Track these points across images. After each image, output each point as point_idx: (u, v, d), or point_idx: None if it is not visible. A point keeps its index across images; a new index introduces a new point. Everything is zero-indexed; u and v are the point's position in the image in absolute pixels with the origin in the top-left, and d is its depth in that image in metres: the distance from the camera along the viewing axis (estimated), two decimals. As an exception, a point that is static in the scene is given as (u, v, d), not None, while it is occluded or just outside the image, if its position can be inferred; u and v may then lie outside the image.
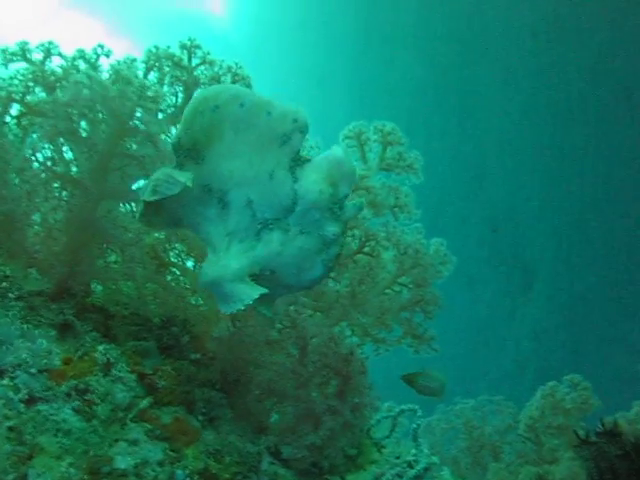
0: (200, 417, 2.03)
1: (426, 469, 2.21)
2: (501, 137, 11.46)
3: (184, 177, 1.60)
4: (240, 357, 2.15)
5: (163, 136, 2.04)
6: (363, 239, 2.29)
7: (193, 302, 2.21)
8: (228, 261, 1.66)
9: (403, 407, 2.40)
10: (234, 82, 2.18)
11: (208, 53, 2.19)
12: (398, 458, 2.30)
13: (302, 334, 2.08)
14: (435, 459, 2.27)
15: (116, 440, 1.80)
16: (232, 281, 1.65)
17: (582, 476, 2.31)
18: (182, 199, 1.65)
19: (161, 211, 1.69)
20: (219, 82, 2.17)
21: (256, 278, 1.66)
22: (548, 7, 10.86)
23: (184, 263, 2.24)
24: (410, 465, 2.25)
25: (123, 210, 2.13)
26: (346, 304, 2.26)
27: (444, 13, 12.44)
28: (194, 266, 2.23)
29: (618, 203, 9.90)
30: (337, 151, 1.68)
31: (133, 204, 2.11)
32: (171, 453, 1.85)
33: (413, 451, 2.28)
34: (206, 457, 1.88)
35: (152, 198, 1.61)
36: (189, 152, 1.63)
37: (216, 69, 2.18)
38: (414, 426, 2.36)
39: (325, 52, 14.78)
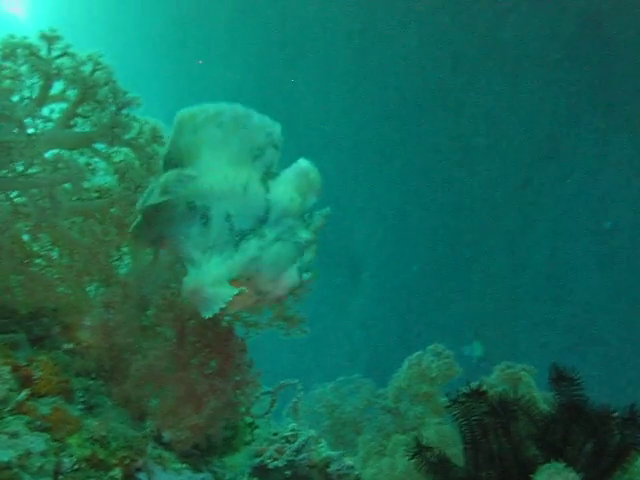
0: (79, 406, 2.00)
1: (305, 443, 2.28)
2: (323, 133, 11.70)
3: (193, 171, 1.72)
4: (116, 344, 2.12)
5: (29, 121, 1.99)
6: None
7: (62, 291, 2.15)
8: (208, 269, 1.75)
9: (282, 381, 2.45)
10: (95, 71, 2.15)
11: (69, 45, 2.14)
12: (276, 435, 2.34)
13: (179, 316, 2.08)
14: (312, 432, 2.33)
15: (-5, 434, 1.73)
16: (212, 285, 1.74)
17: (450, 438, 2.45)
18: (170, 216, 1.77)
19: (152, 226, 1.79)
20: (79, 72, 2.12)
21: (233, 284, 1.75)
22: (358, 9, 11.22)
23: (49, 253, 2.18)
24: (288, 440, 2.30)
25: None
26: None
27: (258, 15, 12.56)
28: (60, 256, 2.18)
29: (437, 194, 10.40)
30: (303, 163, 1.83)
31: (-5, 192, 2.03)
32: (54, 443, 1.79)
33: (291, 425, 2.34)
34: (91, 444, 1.85)
35: (163, 199, 1.72)
36: (175, 169, 1.75)
37: (77, 59, 2.14)
38: (294, 400, 2.42)
39: (138, 53, 14.53)
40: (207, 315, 1.75)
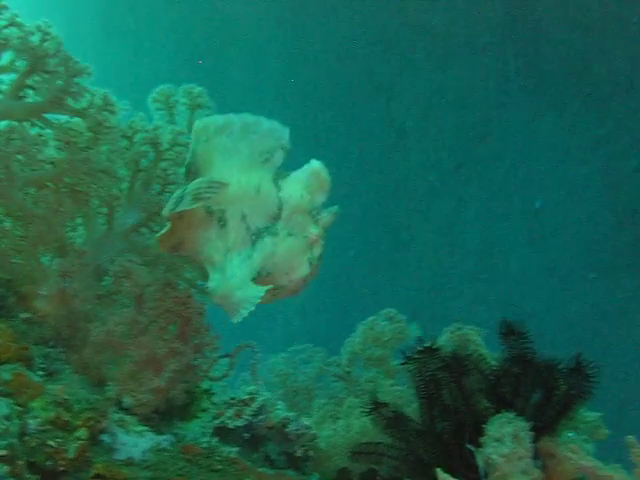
0: (40, 372, 2.01)
1: (262, 405, 2.32)
2: (256, 124, 11.64)
3: (226, 178, 1.85)
4: (73, 313, 2.13)
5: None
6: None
7: (17, 261, 2.15)
8: (232, 272, 1.85)
9: (240, 344, 2.47)
10: (44, 40, 2.14)
11: (17, 15, 2.13)
12: (233, 399, 2.38)
13: (137, 282, 2.10)
14: (269, 395, 2.38)
15: (-41, 399, 1.73)
16: (239, 289, 1.83)
17: (404, 398, 2.52)
18: (190, 222, 1.87)
19: (175, 232, 1.88)
20: (27, 42, 2.11)
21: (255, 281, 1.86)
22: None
23: (1, 225, 2.17)
24: (246, 403, 2.34)
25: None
26: (172, 256, 2.30)
27: (185, 2, 12.45)
28: (13, 227, 2.17)
29: (372, 178, 10.49)
30: (315, 164, 1.92)
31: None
32: (17, 407, 1.81)
33: (248, 389, 2.37)
34: (55, 407, 1.86)
35: (195, 205, 1.80)
36: (194, 177, 1.86)
37: (25, 29, 2.13)
38: (252, 361, 2.45)
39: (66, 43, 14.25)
40: (237, 320, 1.84)
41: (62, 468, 1.75)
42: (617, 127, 8.52)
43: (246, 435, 2.31)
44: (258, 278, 1.86)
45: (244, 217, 1.86)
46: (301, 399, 3.08)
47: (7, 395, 1.82)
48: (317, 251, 1.92)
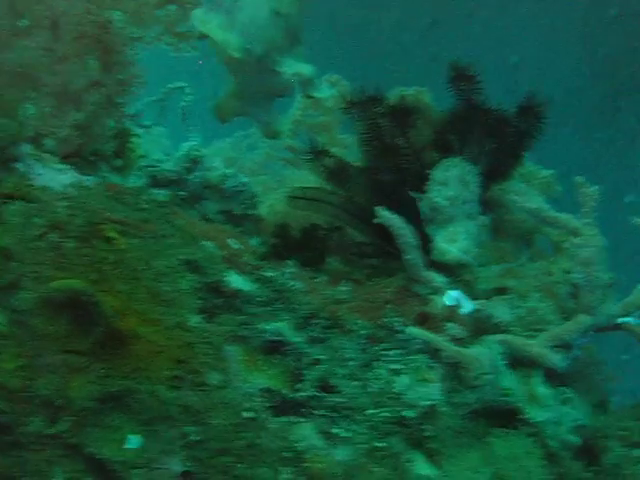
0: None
1: (198, 160, 2.16)
2: None
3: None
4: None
5: None
6: None
7: None
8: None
9: (170, 85, 2.28)
10: None
11: None
12: (168, 156, 2.22)
13: (51, 7, 1.90)
14: (206, 151, 2.21)
15: None
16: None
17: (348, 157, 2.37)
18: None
19: None
20: None
21: None
22: None
23: None
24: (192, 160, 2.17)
25: None
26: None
27: None
28: None
29: (346, 42, 10.21)
30: None
31: None
32: None
33: (186, 144, 2.20)
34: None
35: None
36: None
37: None
38: (182, 104, 2.27)
39: None
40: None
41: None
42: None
43: (182, 193, 2.17)
44: None
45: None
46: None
47: None
48: None
